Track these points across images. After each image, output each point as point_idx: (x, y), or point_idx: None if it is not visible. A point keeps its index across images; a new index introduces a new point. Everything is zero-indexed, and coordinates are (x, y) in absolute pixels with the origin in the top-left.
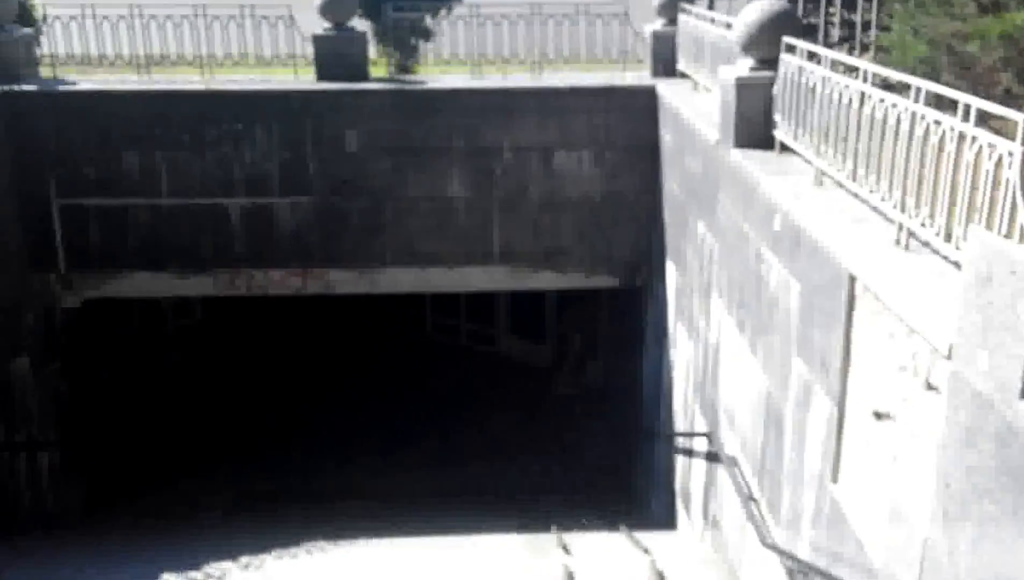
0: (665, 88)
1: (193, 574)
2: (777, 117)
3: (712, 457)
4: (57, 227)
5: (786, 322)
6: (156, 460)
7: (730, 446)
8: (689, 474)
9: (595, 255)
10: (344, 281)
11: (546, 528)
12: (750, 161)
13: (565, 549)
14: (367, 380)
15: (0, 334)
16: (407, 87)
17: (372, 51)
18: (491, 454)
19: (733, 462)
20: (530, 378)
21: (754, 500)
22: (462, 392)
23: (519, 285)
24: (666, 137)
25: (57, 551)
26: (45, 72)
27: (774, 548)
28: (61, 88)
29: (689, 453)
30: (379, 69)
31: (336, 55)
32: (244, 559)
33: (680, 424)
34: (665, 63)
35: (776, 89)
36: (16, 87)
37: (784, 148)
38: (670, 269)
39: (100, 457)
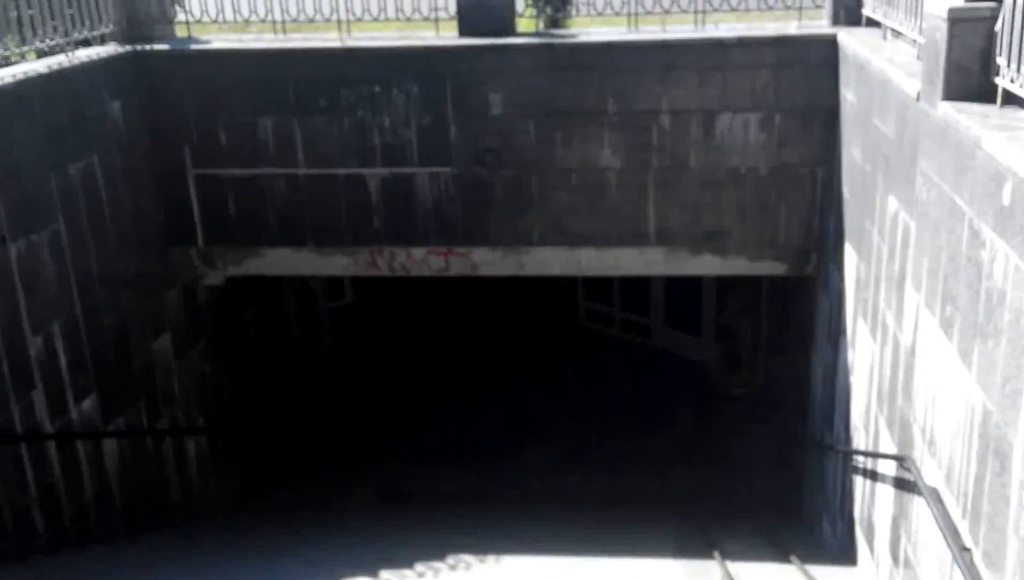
0: (848, 37)
1: None
2: (1001, 60)
3: (904, 485)
4: (194, 199)
5: (1017, 325)
6: (304, 450)
7: (929, 475)
8: (872, 501)
9: (760, 237)
10: (489, 262)
11: (706, 551)
12: (965, 116)
13: None
14: (516, 372)
15: (141, 313)
16: (555, 41)
17: (519, 3)
18: (652, 460)
19: (934, 496)
20: (690, 375)
21: (966, 550)
22: (619, 388)
23: (676, 269)
24: (848, 96)
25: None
26: (180, 32)
27: None
28: (194, 47)
29: (873, 476)
30: (527, 24)
31: (479, 8)
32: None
33: (860, 440)
34: (847, 8)
35: (1000, 24)
36: (149, 47)
37: (1009, 98)
38: (849, 255)
39: (251, 444)
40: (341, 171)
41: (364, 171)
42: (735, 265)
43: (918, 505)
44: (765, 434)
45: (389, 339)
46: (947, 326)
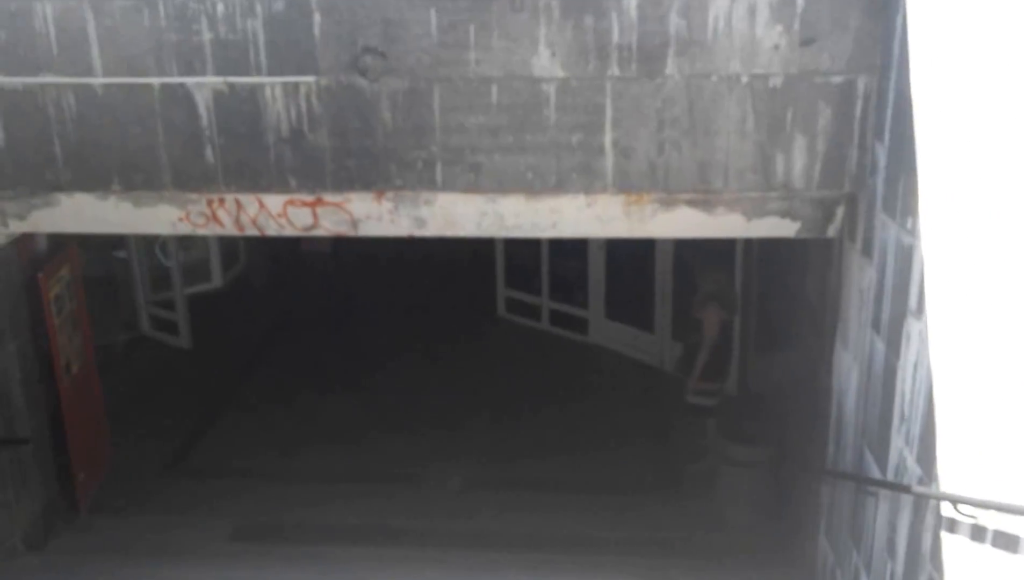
0: None
1: None
2: None
3: None
4: None
5: None
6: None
7: None
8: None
9: (765, 182)
10: (375, 216)
11: None
12: None
13: None
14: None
15: None
16: None
17: None
18: (604, 491)
19: None
20: (642, 382)
21: None
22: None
23: (640, 230)
24: None
25: None
26: None
27: None
28: None
29: (979, 535)
30: None
31: None
32: None
33: (955, 479)
34: None
35: None
36: None
37: None
38: (921, 205)
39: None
40: (156, 80)
41: (189, 81)
42: (726, 224)
43: None
44: (750, 459)
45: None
46: None
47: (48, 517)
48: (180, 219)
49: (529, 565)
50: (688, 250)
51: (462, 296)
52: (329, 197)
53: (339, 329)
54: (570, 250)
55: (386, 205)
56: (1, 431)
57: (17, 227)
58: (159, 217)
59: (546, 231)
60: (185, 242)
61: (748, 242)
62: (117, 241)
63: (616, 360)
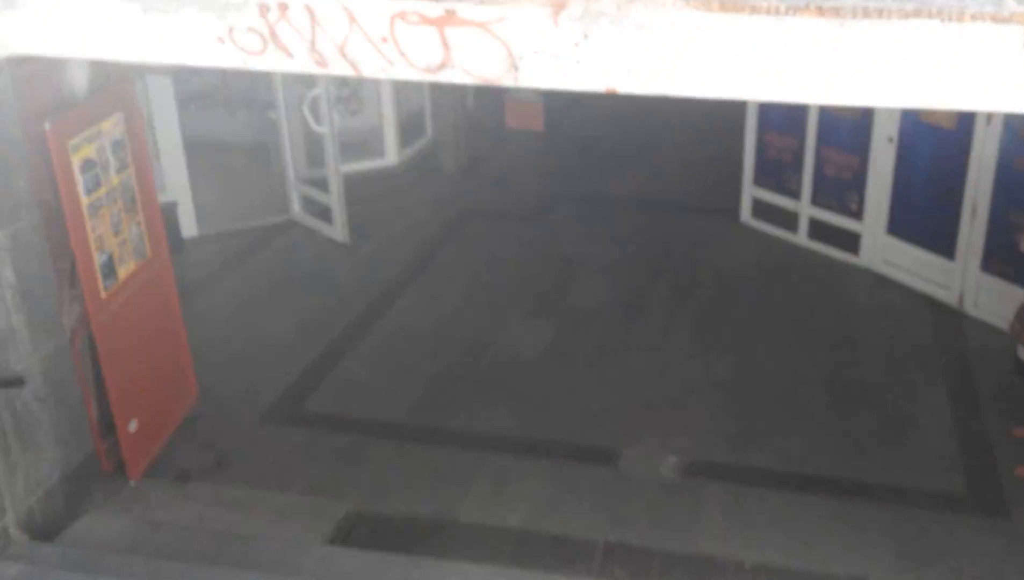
0: None
1: None
2: None
3: None
4: None
5: None
6: None
7: None
8: None
9: None
10: (547, 50)
11: None
12: None
13: None
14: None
15: None
16: None
17: None
18: (883, 498)
19: None
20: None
21: None
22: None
23: None
24: None
25: None
26: None
27: None
28: None
29: None
30: None
31: None
32: None
33: None
34: None
35: None
36: None
37: None
38: None
39: None
40: None
41: None
42: None
43: None
44: None
45: None
46: None
47: (71, 489)
48: (220, 40)
49: None
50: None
51: (697, 193)
52: (468, 9)
53: (537, 227)
54: (847, 139)
55: (570, 28)
56: None
57: None
58: (183, 32)
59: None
60: (351, 105)
61: None
62: (269, 100)
63: (896, 292)
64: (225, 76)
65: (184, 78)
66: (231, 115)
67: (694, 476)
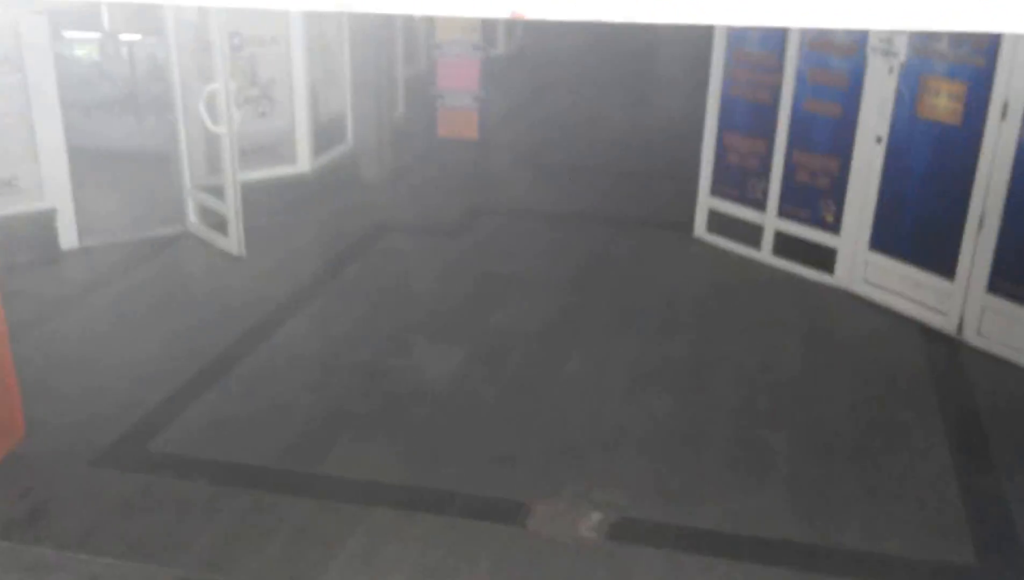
0: None
1: None
2: None
3: None
4: None
5: None
6: None
7: None
8: None
9: None
10: None
11: None
12: None
13: None
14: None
15: None
16: None
17: None
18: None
19: None
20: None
21: None
22: (764, 389)
23: None
24: None
25: None
26: None
27: None
28: None
29: None
30: None
31: None
32: None
33: None
34: None
35: None
36: None
37: None
38: None
39: None
40: None
41: None
42: None
43: None
44: None
45: None
46: None
47: None
48: None
49: None
50: None
51: (646, 205)
52: None
53: (461, 242)
54: (824, 140)
55: None
56: None
57: None
58: None
59: None
60: (260, 106)
61: None
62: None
63: (878, 317)
64: (136, 82)
65: (94, 85)
66: (140, 122)
67: (623, 539)
